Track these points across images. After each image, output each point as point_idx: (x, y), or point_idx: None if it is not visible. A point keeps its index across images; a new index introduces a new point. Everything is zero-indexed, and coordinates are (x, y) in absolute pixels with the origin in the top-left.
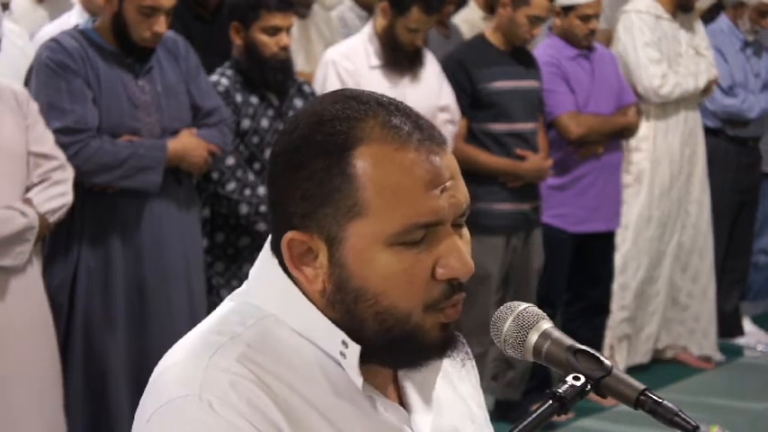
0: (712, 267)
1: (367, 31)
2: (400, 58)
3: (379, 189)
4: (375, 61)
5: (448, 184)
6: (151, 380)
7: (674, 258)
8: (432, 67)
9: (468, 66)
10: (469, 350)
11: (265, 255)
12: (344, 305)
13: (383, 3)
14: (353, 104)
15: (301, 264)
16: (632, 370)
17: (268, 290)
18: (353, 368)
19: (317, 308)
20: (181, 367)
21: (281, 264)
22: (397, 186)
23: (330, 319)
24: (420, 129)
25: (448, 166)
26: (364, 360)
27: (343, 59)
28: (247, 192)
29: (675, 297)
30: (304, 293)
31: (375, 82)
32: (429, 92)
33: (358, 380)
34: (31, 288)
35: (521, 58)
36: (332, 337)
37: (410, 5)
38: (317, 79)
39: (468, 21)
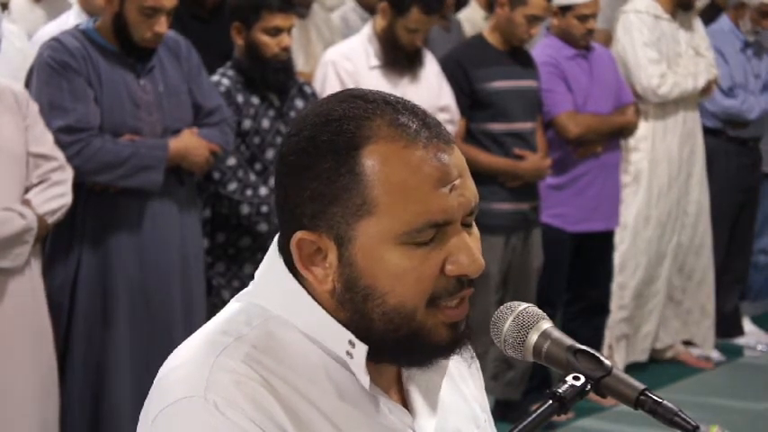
0: (710, 265)
1: (366, 31)
2: (400, 59)
3: (388, 187)
4: (375, 61)
5: (456, 182)
6: (156, 380)
7: (673, 258)
8: (431, 67)
9: (467, 66)
10: (474, 352)
11: (272, 255)
12: (353, 304)
13: (383, 3)
14: (360, 103)
15: (311, 264)
16: (631, 369)
17: (274, 290)
18: (360, 368)
19: (326, 308)
20: (186, 368)
21: (288, 264)
22: (406, 184)
23: (339, 319)
24: (428, 127)
25: (456, 164)
26: (371, 359)
27: (343, 60)
28: (248, 192)
29: (672, 295)
30: (312, 294)
31: (375, 82)
32: (429, 92)
33: (365, 379)
34: (29, 289)
35: (519, 57)
36: (339, 336)
37: (409, 6)
38: (317, 79)
39: (470, 20)
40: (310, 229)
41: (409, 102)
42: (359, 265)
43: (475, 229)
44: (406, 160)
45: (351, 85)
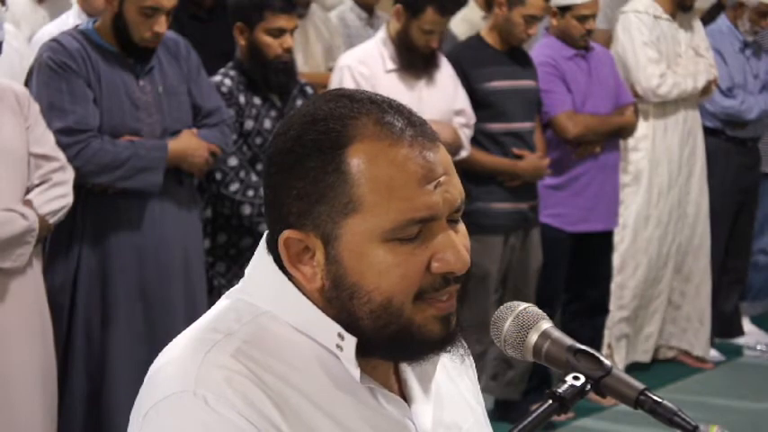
0: (707, 268)
1: (381, 35)
2: (415, 61)
3: (373, 185)
4: (391, 65)
5: (442, 179)
6: (147, 376)
7: (674, 259)
8: (446, 70)
9: (465, 66)
10: (467, 346)
11: (261, 253)
12: (340, 302)
13: (397, 5)
14: (346, 103)
15: (299, 263)
16: (632, 369)
17: (264, 287)
18: (350, 360)
19: (316, 306)
20: (177, 364)
21: (277, 262)
22: (391, 182)
23: (329, 316)
24: (413, 125)
25: (441, 162)
26: (366, 354)
27: (359, 64)
28: (250, 193)
29: (670, 298)
30: (302, 292)
31: (391, 86)
32: (445, 95)
33: (355, 372)
34: (30, 290)
35: (517, 57)
36: (328, 330)
37: (424, 7)
38: (333, 84)
39: (468, 20)
40: (297, 227)
41: (395, 101)
42: (345, 263)
43: (462, 227)
44: (391, 158)
45: (367, 89)
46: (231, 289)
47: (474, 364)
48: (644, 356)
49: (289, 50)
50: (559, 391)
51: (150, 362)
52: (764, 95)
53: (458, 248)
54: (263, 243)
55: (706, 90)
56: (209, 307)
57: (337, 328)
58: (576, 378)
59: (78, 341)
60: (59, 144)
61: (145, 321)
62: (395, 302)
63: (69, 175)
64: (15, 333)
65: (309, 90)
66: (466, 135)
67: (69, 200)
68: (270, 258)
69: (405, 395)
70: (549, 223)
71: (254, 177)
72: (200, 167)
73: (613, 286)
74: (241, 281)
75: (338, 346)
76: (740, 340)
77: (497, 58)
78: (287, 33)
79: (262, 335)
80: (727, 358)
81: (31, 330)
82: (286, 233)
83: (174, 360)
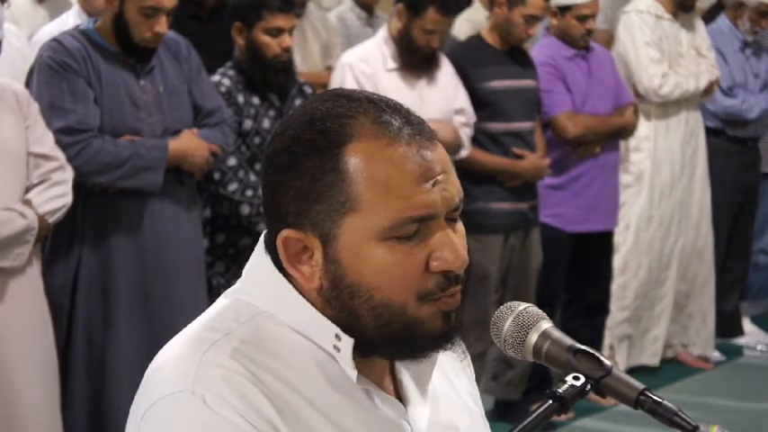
0: (711, 269)
1: (382, 34)
2: (417, 60)
3: (371, 184)
4: (392, 64)
5: (440, 177)
6: (146, 376)
7: (678, 262)
8: (447, 69)
9: (465, 65)
10: (465, 346)
11: (258, 253)
12: (340, 301)
13: (399, 5)
14: (344, 102)
15: (297, 262)
16: (635, 371)
17: (262, 287)
18: (347, 361)
19: (315, 306)
20: (174, 363)
21: (275, 262)
22: (389, 180)
23: (327, 316)
24: (410, 124)
25: (439, 160)
26: (364, 354)
27: (361, 63)
28: (249, 192)
29: (676, 299)
30: (301, 292)
31: (392, 85)
32: (445, 94)
33: (352, 373)
34: (30, 289)
35: (517, 57)
36: (325, 331)
37: (426, 6)
38: (334, 82)
39: (473, 20)
40: (296, 227)
41: (392, 100)
42: (344, 263)
43: (460, 225)
44: (389, 157)
45: (369, 88)
46: (229, 288)
47: (472, 364)
48: (652, 360)
49: (287, 50)
50: (559, 391)
51: (149, 362)
52: (765, 95)
53: (456, 247)
54: (260, 243)
55: (708, 90)
56: (208, 307)
57: (334, 328)
58: (576, 378)
59: (78, 341)
60: (60, 144)
61: (145, 321)
62: (396, 301)
63: (68, 174)
64: (15, 333)
65: (308, 89)
66: (466, 134)
67: (68, 199)
68: (268, 258)
69: (401, 396)
70: (548, 223)
71: (252, 177)
72: (201, 167)
73: (615, 287)
74: (239, 280)
75: (335, 347)
76: (740, 340)
77: (498, 58)
78: (285, 33)
79: (260, 335)
80: (727, 358)
81: (32, 330)
82: (284, 233)
83: (173, 359)
